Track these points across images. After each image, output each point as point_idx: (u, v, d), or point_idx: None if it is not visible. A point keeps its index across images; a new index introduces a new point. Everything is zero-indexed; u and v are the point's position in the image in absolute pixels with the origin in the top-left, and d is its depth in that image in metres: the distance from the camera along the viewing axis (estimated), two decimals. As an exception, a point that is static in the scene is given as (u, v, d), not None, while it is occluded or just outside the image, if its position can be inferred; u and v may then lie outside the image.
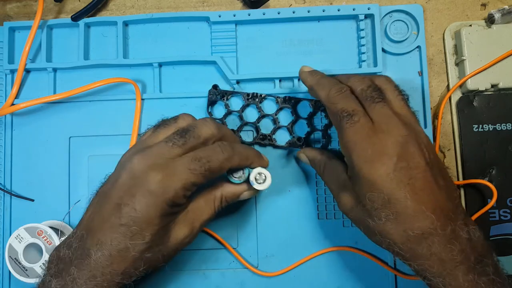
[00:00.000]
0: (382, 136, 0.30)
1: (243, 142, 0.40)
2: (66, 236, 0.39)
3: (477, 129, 0.40)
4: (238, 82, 0.42)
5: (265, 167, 0.35)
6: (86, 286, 0.28)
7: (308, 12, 0.41)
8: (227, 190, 0.34)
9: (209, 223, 0.34)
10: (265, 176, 0.34)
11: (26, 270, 0.37)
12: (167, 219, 0.30)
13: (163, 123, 0.34)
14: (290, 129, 0.40)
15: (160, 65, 0.42)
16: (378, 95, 0.32)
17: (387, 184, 0.29)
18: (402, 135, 0.30)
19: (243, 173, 0.34)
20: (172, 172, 0.29)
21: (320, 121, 0.41)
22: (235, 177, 0.34)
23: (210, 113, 0.41)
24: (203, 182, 0.31)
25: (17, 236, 0.37)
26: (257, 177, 0.34)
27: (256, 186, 0.34)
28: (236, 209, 0.40)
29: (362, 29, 0.41)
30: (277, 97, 0.40)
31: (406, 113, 0.32)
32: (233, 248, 0.40)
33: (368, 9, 0.41)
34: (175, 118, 0.34)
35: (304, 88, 0.41)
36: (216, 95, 0.40)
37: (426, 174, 0.29)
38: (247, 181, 0.34)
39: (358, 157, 0.30)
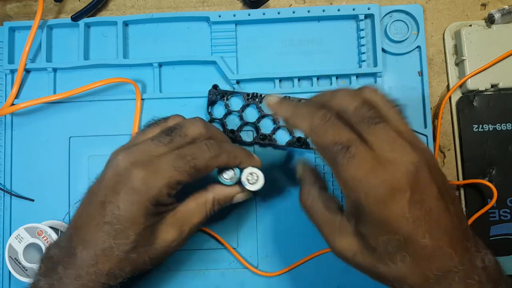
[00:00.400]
0: (389, 167, 0.26)
1: (243, 143, 0.40)
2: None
3: (477, 129, 0.40)
4: (238, 82, 0.42)
5: (257, 167, 0.33)
6: (72, 286, 0.28)
7: (308, 12, 0.41)
8: (219, 192, 0.33)
9: (200, 226, 0.33)
10: (257, 176, 0.33)
11: (26, 270, 0.37)
12: (152, 219, 0.29)
13: (153, 123, 0.33)
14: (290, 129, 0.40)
15: (160, 65, 0.42)
16: (376, 114, 0.27)
17: (404, 225, 0.25)
18: (412, 161, 0.26)
19: (234, 174, 0.33)
20: (156, 169, 0.29)
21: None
22: (226, 178, 0.33)
23: (210, 113, 0.41)
24: (189, 181, 0.30)
25: (17, 236, 0.37)
26: (249, 178, 0.33)
27: (248, 186, 0.33)
28: (236, 209, 0.40)
29: (362, 29, 0.41)
30: (277, 97, 0.40)
31: (407, 130, 0.28)
32: (233, 248, 0.40)
33: (368, 9, 0.41)
34: (165, 118, 0.33)
35: (304, 87, 0.41)
36: (216, 95, 0.40)
37: (439, 203, 0.26)
38: (239, 182, 0.33)
39: (366, 197, 0.26)
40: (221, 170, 0.33)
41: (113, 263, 0.29)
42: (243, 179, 0.33)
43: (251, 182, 0.33)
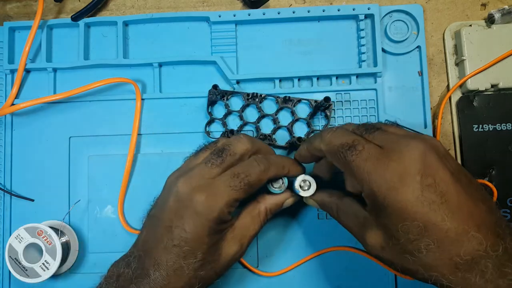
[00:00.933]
0: (395, 157, 0.27)
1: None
2: (72, 238, 0.39)
3: (477, 129, 0.40)
4: (238, 82, 0.42)
5: (302, 173, 0.35)
6: None
7: (308, 12, 0.41)
8: (270, 201, 0.35)
9: (256, 236, 0.35)
10: (310, 183, 0.35)
11: (26, 270, 0.37)
12: (215, 237, 0.31)
13: (204, 147, 0.35)
14: (290, 129, 0.40)
15: (160, 65, 0.42)
16: (371, 126, 0.31)
17: (419, 209, 0.26)
18: (417, 148, 0.27)
19: (282, 183, 0.35)
20: (215, 191, 0.31)
21: (319, 121, 0.41)
22: (276, 188, 0.35)
23: (210, 113, 0.41)
24: (245, 197, 0.32)
25: (17, 236, 0.37)
26: (302, 184, 0.35)
27: (302, 193, 0.35)
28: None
29: (362, 29, 0.41)
30: (277, 97, 0.40)
31: (407, 132, 0.31)
32: (233, 248, 0.40)
33: (368, 9, 0.41)
34: (215, 142, 0.35)
35: (304, 87, 0.41)
36: (216, 95, 0.40)
37: (456, 187, 0.26)
38: (287, 189, 0.35)
39: (378, 186, 0.27)
40: (270, 180, 0.34)
41: (184, 282, 0.30)
42: (296, 186, 0.35)
43: (304, 188, 0.35)
